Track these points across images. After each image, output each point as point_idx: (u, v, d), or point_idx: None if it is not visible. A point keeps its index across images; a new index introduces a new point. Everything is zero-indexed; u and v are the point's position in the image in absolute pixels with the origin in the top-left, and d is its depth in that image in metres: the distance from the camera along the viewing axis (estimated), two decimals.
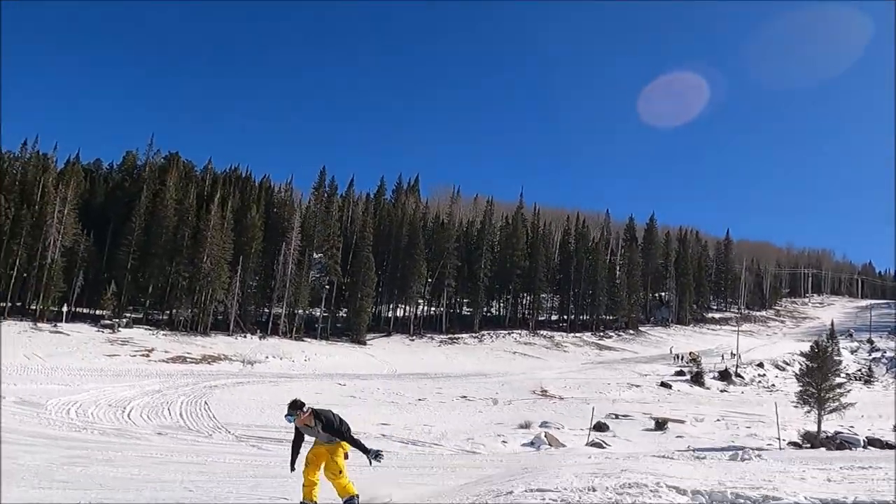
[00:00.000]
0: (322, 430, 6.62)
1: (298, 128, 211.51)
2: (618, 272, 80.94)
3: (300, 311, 59.83)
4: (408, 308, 69.50)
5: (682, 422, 28.62)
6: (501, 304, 77.46)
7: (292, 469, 6.92)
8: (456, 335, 67.68)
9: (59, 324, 47.74)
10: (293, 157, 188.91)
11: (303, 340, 57.49)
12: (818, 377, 27.04)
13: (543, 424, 26.00)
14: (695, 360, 59.78)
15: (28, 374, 33.43)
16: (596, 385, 47.94)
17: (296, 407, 6.69)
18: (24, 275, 50.12)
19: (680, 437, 25.28)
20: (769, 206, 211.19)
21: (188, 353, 45.10)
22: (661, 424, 27.32)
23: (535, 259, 74.15)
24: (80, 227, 52.93)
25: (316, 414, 6.67)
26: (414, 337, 65.73)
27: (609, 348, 69.64)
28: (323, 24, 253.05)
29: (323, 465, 6.65)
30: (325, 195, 76.55)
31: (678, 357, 61.14)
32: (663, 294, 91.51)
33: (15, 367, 35.04)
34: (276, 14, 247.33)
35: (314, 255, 64.97)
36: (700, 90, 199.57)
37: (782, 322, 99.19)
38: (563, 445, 21.68)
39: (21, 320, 47.77)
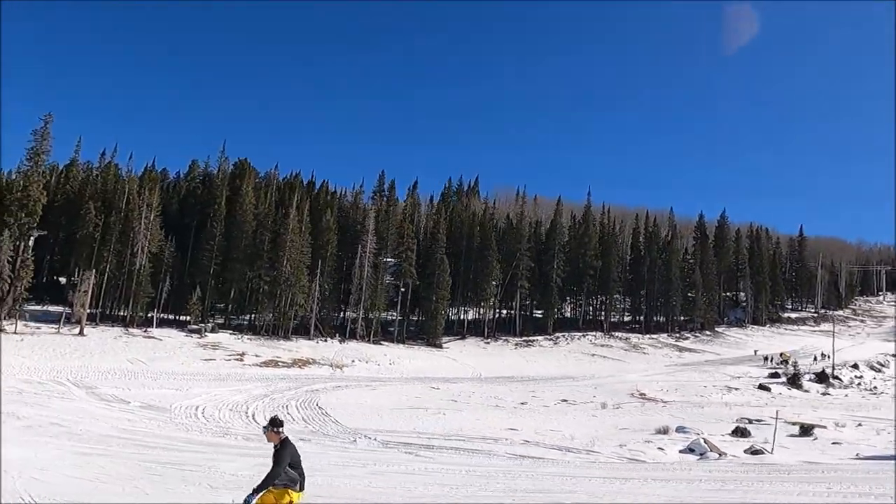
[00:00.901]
0: (273, 454, 6.59)
1: (346, 130, 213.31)
2: (685, 271, 78.33)
3: (375, 314, 59.40)
4: (480, 310, 68.57)
5: (823, 427, 26.80)
6: (571, 306, 75.87)
7: None
8: (530, 338, 66.38)
9: (149, 329, 48.26)
10: (339, 162, 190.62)
11: (380, 344, 57.02)
12: None
13: (680, 429, 24.54)
14: (786, 361, 57.15)
15: (137, 379, 33.49)
16: (692, 388, 46.01)
17: (274, 424, 6.76)
18: (113, 282, 50.90)
19: (836, 443, 23.48)
20: (837, 200, 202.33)
21: (278, 357, 44.92)
22: (806, 430, 25.52)
23: (608, 259, 72.32)
24: (163, 234, 53.52)
25: (283, 442, 6.65)
26: (489, 340, 64.73)
27: (689, 350, 67.30)
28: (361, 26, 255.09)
29: None
30: (385, 199, 76.47)
31: (767, 358, 58.48)
32: (737, 294, 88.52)
33: (121, 371, 35.31)
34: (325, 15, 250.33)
35: (386, 258, 64.53)
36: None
37: (862, 321, 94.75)
38: (724, 454, 20.24)
39: (112, 326, 48.43)
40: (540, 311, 71.28)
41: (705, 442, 20.61)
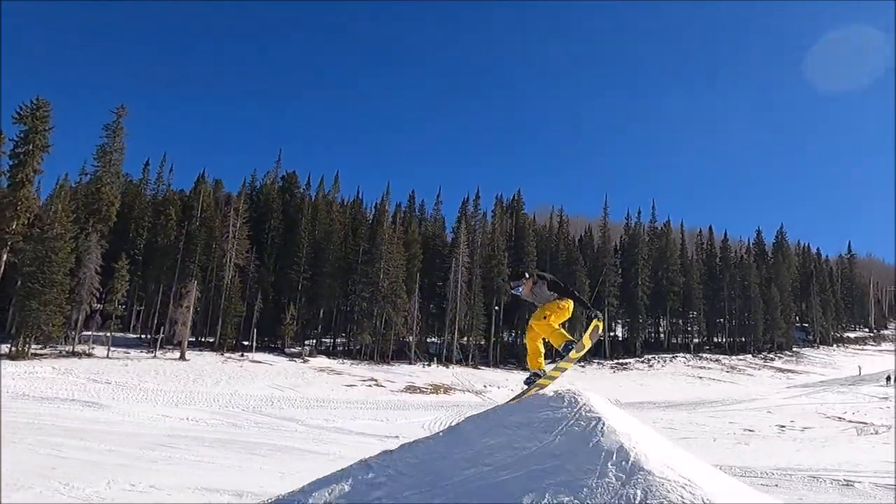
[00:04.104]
0: (548, 288, 5.78)
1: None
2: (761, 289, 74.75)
3: (468, 338, 53.56)
4: None
5: None
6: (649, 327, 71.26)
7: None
8: (622, 360, 61.42)
9: (246, 353, 41.46)
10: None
11: (479, 368, 51.22)
12: None
13: None
14: None
15: (316, 409, 27.22)
16: (867, 409, 41.46)
17: (518, 276, 5.96)
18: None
19: None
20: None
21: (412, 384, 38.79)
22: None
23: (691, 275, 68.21)
24: (250, 245, 46.86)
25: (539, 276, 5.92)
26: (583, 363, 59.22)
27: (789, 370, 63.09)
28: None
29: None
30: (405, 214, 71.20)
31: (890, 378, 54.69)
32: (796, 314, 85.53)
33: (280, 399, 29.09)
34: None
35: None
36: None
37: None
38: None
39: (201, 351, 41.36)
40: (619, 333, 66.63)
41: None
